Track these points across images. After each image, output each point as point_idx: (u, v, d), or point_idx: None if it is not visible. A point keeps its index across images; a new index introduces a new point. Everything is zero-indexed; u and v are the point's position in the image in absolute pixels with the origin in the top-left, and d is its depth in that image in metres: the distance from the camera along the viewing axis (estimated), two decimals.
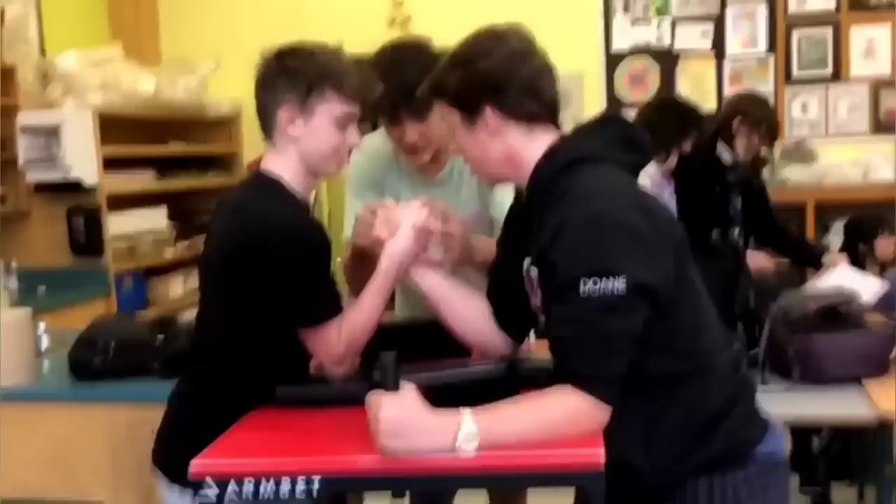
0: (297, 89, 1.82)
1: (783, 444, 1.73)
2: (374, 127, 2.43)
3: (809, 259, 4.04)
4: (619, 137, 1.66)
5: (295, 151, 1.87)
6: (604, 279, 1.47)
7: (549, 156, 1.64)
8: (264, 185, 1.87)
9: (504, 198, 2.26)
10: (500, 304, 1.84)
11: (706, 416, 1.61)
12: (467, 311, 1.85)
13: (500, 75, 1.62)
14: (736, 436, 1.64)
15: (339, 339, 1.82)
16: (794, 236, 4.37)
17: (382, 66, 2.14)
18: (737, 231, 3.68)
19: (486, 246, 2.05)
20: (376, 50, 2.25)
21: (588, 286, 1.47)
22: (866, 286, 2.91)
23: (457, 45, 1.70)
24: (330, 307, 1.83)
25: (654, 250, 1.52)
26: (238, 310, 1.84)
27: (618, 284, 1.46)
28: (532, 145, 1.65)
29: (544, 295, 1.61)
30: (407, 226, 1.82)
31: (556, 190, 1.58)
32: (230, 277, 1.83)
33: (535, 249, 1.61)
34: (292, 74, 1.82)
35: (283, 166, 1.88)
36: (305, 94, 1.82)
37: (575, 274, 1.48)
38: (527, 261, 1.68)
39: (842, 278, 2.86)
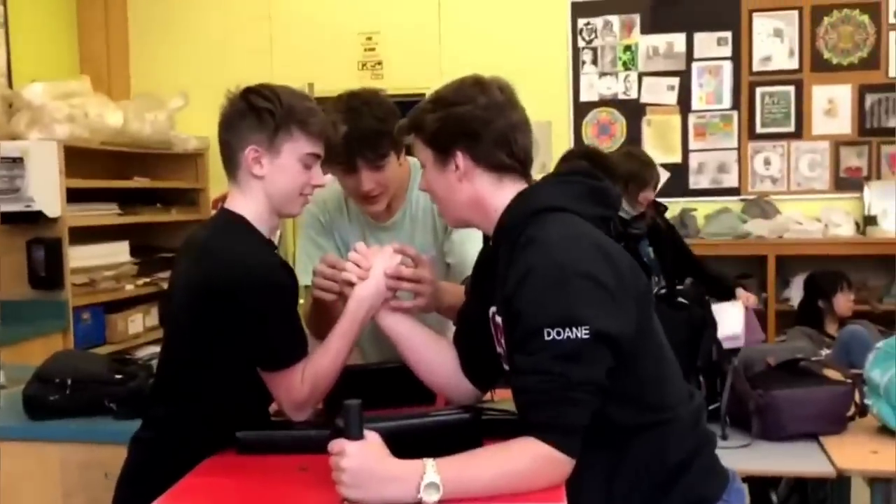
0: (264, 128, 1.83)
1: (743, 499, 1.74)
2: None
3: (723, 292, 4.09)
4: (585, 189, 1.68)
5: (260, 190, 1.86)
6: (567, 329, 1.47)
7: (516, 205, 1.66)
8: (231, 224, 1.86)
9: (463, 242, 2.27)
10: (467, 351, 1.84)
11: (667, 470, 1.61)
12: (435, 357, 1.84)
13: (476, 123, 1.66)
14: (696, 490, 1.64)
15: (301, 383, 1.80)
16: (711, 269, 4.43)
17: (338, 114, 2.16)
18: (655, 280, 3.72)
19: (453, 291, 2.05)
20: (334, 99, 2.26)
21: (552, 336, 1.47)
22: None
23: (442, 87, 1.73)
24: (295, 351, 1.81)
25: (616, 300, 1.52)
26: (203, 351, 1.81)
27: (580, 334, 1.47)
28: (499, 193, 1.68)
29: (507, 343, 1.61)
30: (378, 270, 1.82)
31: (522, 239, 1.59)
32: (196, 318, 1.80)
33: (499, 297, 1.61)
34: (259, 113, 1.83)
35: (248, 206, 1.87)
36: (272, 134, 1.83)
37: (538, 323, 1.49)
38: (492, 308, 1.68)
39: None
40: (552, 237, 1.56)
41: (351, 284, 1.84)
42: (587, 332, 1.47)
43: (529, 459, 1.47)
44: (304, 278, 2.31)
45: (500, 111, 1.68)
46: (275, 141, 1.83)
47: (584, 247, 1.55)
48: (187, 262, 1.88)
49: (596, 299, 1.50)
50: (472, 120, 1.66)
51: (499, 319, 1.65)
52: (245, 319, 1.75)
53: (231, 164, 1.88)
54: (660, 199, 4.31)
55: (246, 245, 1.81)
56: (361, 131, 2.13)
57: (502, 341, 1.66)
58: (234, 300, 1.74)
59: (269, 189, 1.86)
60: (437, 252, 2.39)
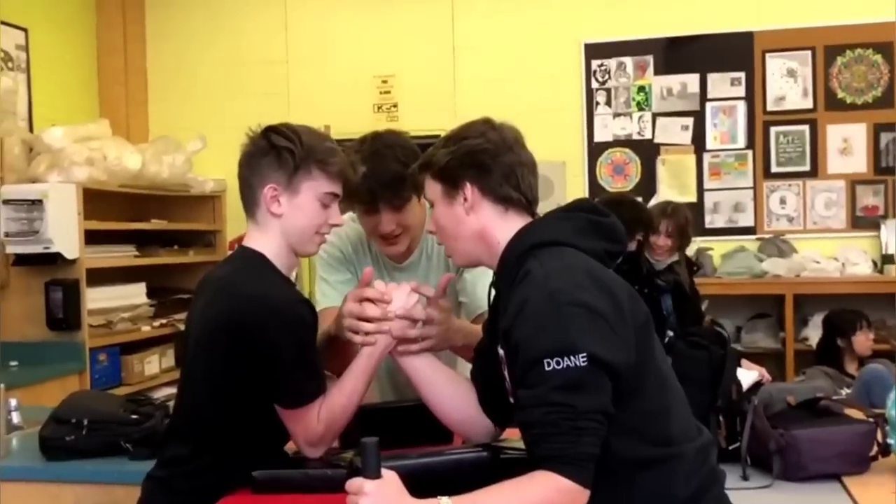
0: (284, 168, 1.84)
1: None
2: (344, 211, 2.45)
3: None
4: (586, 224, 1.70)
5: (277, 229, 1.87)
6: (565, 357, 1.47)
7: (517, 239, 1.68)
8: (250, 261, 1.87)
9: (475, 282, 2.28)
10: (483, 387, 1.83)
11: None
12: (452, 394, 1.84)
13: (485, 156, 1.71)
14: None
15: (318, 421, 1.79)
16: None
17: (362, 156, 2.17)
18: (670, 333, 3.72)
19: (466, 330, 2.05)
20: (357, 140, 2.28)
21: (551, 366, 1.48)
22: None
23: (454, 129, 1.78)
24: (314, 389, 1.80)
25: (613, 328, 1.52)
26: (221, 389, 1.81)
27: (578, 361, 1.47)
28: (504, 226, 1.71)
29: (510, 377, 1.62)
30: (398, 308, 1.82)
31: (520, 272, 1.61)
32: (215, 356, 1.80)
33: (500, 331, 1.62)
34: (279, 152, 1.84)
35: (266, 244, 1.88)
36: (292, 173, 1.84)
37: (536, 354, 1.49)
38: (498, 344, 1.68)
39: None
40: (547, 269, 1.58)
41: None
42: (584, 359, 1.47)
43: (545, 492, 1.46)
44: (322, 301, 2.35)
45: (509, 148, 1.73)
46: (294, 180, 1.84)
47: (577, 277, 1.56)
48: (205, 301, 1.88)
49: (590, 327, 1.50)
50: (482, 152, 1.71)
51: (501, 353, 1.65)
52: (266, 356, 1.74)
53: (249, 201, 1.89)
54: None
55: (266, 282, 1.81)
56: (384, 174, 2.15)
57: (506, 374, 1.65)
58: (255, 337, 1.74)
59: (286, 227, 1.87)
60: (450, 292, 2.40)
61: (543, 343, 1.49)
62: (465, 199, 1.71)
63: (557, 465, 1.47)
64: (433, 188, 1.76)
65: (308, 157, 1.84)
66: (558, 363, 1.47)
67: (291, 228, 1.87)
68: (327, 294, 2.37)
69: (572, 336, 1.48)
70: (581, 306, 1.51)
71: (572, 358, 1.47)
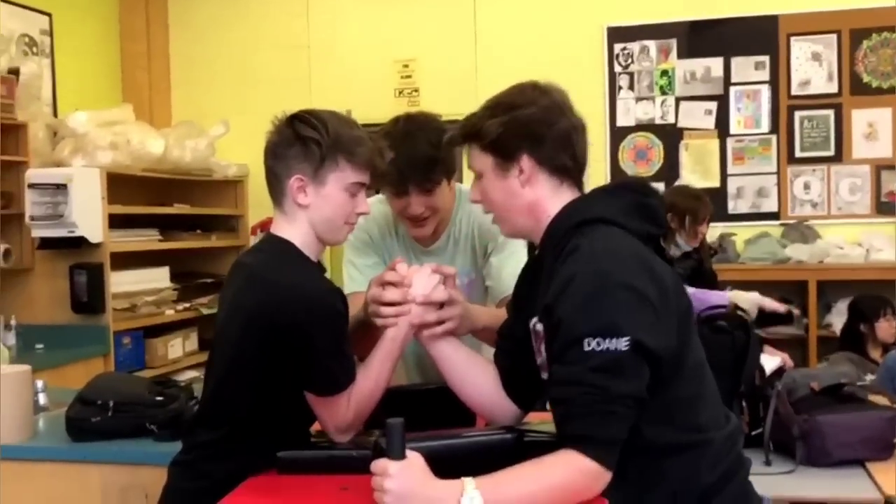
0: (310, 158, 1.81)
1: None
2: (375, 191, 2.45)
3: None
4: (635, 205, 1.67)
5: (304, 219, 1.85)
6: (607, 339, 1.46)
7: (565, 213, 1.65)
8: (279, 250, 1.85)
9: (501, 265, 2.27)
10: (509, 368, 1.83)
11: (699, 492, 1.58)
12: (477, 377, 1.84)
13: (540, 125, 1.65)
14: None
15: (348, 407, 1.80)
16: None
17: (393, 138, 2.15)
18: None
19: (489, 313, 2.05)
20: (388, 122, 2.27)
21: (591, 346, 1.46)
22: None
23: (497, 95, 1.72)
24: (346, 377, 1.80)
25: (658, 316, 1.51)
26: (252, 376, 1.80)
27: (620, 345, 1.46)
28: (556, 200, 1.68)
29: (548, 352, 1.60)
30: (417, 294, 1.82)
31: (568, 247, 1.59)
32: (246, 344, 1.79)
33: (541, 304, 1.60)
34: (305, 143, 1.81)
35: (294, 232, 1.86)
36: (318, 163, 1.81)
37: (579, 332, 1.48)
38: (534, 319, 1.67)
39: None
40: (597, 247, 1.55)
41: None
42: (627, 343, 1.46)
43: (568, 472, 1.46)
44: (350, 286, 2.35)
45: (562, 112, 1.68)
46: (320, 171, 1.82)
47: (628, 259, 1.54)
48: (235, 288, 1.87)
49: (637, 311, 1.49)
50: (536, 122, 1.65)
51: (539, 328, 1.64)
52: (299, 345, 1.73)
53: (276, 191, 1.87)
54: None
55: (297, 271, 1.80)
56: (415, 157, 2.14)
57: (542, 350, 1.64)
58: (288, 326, 1.72)
59: (313, 218, 1.85)
60: (476, 276, 2.40)
61: (587, 322, 1.48)
62: (522, 172, 1.66)
63: (583, 446, 1.47)
64: (482, 160, 1.70)
65: (335, 148, 1.81)
66: (599, 344, 1.46)
67: (318, 219, 1.85)
68: (354, 278, 2.38)
69: (618, 319, 1.47)
70: (630, 290, 1.49)
71: (614, 341, 1.46)
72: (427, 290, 1.84)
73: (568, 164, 1.68)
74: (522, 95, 1.68)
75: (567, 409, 1.50)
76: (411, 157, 2.13)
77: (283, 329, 1.73)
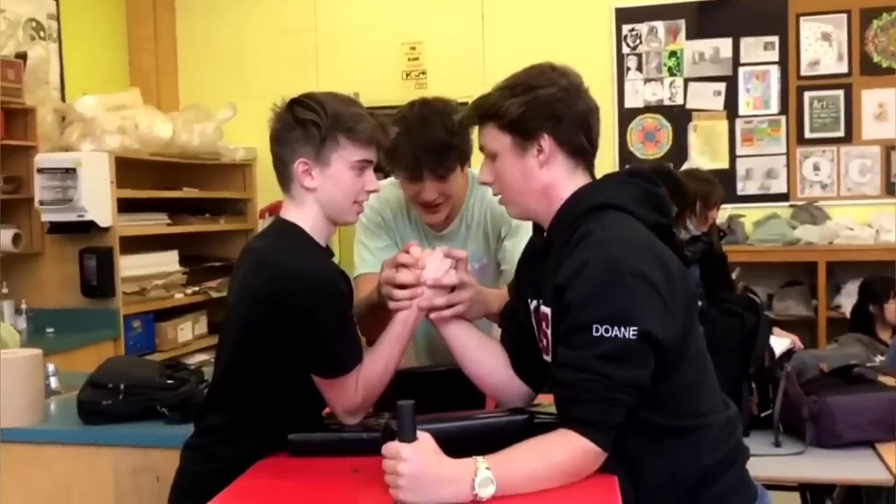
0: (311, 141, 1.82)
1: None
2: (386, 175, 2.44)
3: None
4: (643, 193, 1.68)
5: (313, 202, 1.86)
6: (615, 327, 1.47)
7: (577, 198, 1.66)
8: (287, 234, 1.86)
9: (515, 248, 2.27)
10: (516, 350, 1.84)
11: (698, 475, 1.60)
12: (487, 360, 1.84)
13: (560, 105, 1.65)
14: (725, 501, 1.62)
15: (356, 390, 1.80)
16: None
17: (408, 122, 2.15)
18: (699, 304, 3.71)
19: (503, 296, 2.05)
20: (403, 106, 2.26)
21: (600, 332, 1.48)
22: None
23: (514, 75, 1.72)
24: (352, 358, 1.80)
25: (667, 304, 1.52)
26: (260, 360, 1.81)
27: (628, 334, 1.47)
28: (570, 183, 1.68)
29: (554, 334, 1.61)
30: (428, 277, 1.82)
31: (579, 232, 1.59)
32: (254, 328, 1.80)
33: (549, 286, 1.61)
34: (305, 126, 1.81)
35: (302, 217, 1.86)
36: (319, 145, 1.81)
37: (588, 318, 1.49)
38: (536, 301, 1.69)
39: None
40: (609, 234, 1.56)
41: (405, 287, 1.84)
42: (635, 332, 1.47)
43: (570, 452, 1.49)
44: (361, 267, 2.35)
45: (579, 94, 1.68)
46: (322, 152, 1.82)
47: (639, 247, 1.55)
48: (243, 273, 1.88)
49: (647, 301, 1.50)
50: (557, 101, 1.65)
51: (545, 310, 1.65)
52: (304, 328, 1.74)
53: (283, 177, 1.88)
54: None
55: (304, 254, 1.81)
56: (430, 142, 2.13)
57: (548, 332, 1.65)
58: (293, 310, 1.73)
59: (322, 199, 1.85)
60: (488, 261, 2.40)
61: (598, 308, 1.49)
62: (541, 151, 1.66)
63: (584, 429, 1.49)
64: (499, 139, 1.69)
65: (334, 128, 1.81)
66: (607, 331, 1.47)
67: (327, 200, 1.85)
68: (366, 260, 2.38)
69: (629, 307, 1.48)
70: (641, 278, 1.50)
71: (623, 329, 1.47)
72: (438, 273, 1.84)
73: (584, 146, 1.68)
74: (543, 76, 1.68)
75: (570, 393, 1.52)
76: (426, 142, 2.12)
77: (286, 311, 1.74)
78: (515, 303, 1.86)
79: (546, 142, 1.66)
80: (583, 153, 1.69)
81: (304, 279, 1.75)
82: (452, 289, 1.85)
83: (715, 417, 1.64)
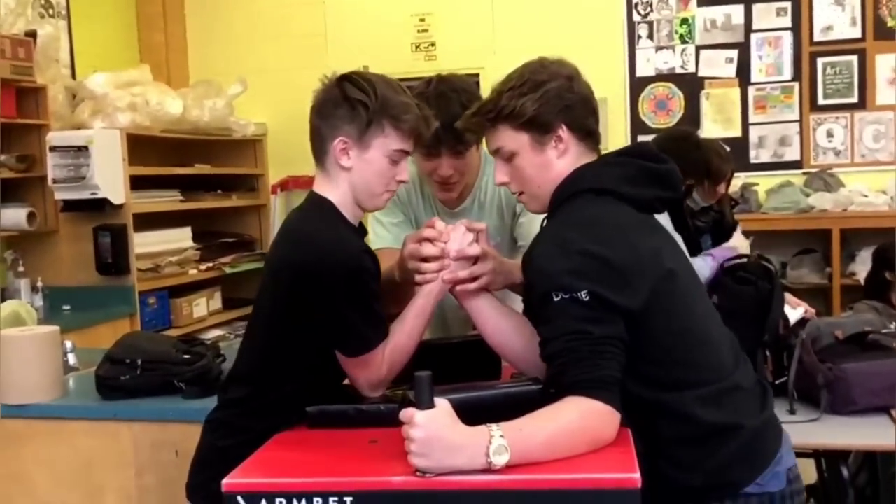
0: (356, 121, 1.81)
1: (782, 483, 1.70)
2: None
3: None
4: (637, 171, 1.73)
5: (345, 181, 1.85)
6: (571, 292, 1.54)
7: (567, 182, 1.73)
8: (319, 208, 1.86)
9: (531, 224, 2.27)
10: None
11: (692, 447, 1.64)
12: (510, 333, 1.86)
13: (570, 95, 1.73)
14: (725, 473, 1.65)
15: (381, 365, 1.81)
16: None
17: (426, 99, 2.14)
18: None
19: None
20: (420, 83, 2.26)
21: (560, 297, 1.54)
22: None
23: (512, 75, 1.77)
24: (377, 336, 1.81)
25: (624, 277, 1.57)
26: (283, 332, 1.82)
27: (582, 296, 1.53)
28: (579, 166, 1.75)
29: (531, 317, 1.69)
30: (452, 249, 1.84)
31: (555, 217, 1.70)
32: (278, 301, 1.82)
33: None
34: (353, 105, 1.81)
35: (333, 193, 1.86)
36: (364, 127, 1.81)
37: (545, 289, 1.56)
38: None
39: None
40: (568, 220, 1.65)
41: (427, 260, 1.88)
42: (586, 294, 1.53)
43: (579, 414, 1.51)
44: (376, 242, 2.37)
45: (579, 80, 1.76)
46: (365, 135, 1.82)
47: (595, 228, 1.62)
48: (277, 245, 1.89)
49: (597, 273, 1.55)
50: (566, 91, 1.73)
51: None
52: (325, 303, 1.75)
53: (319, 150, 1.87)
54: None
55: (332, 230, 1.80)
56: (449, 119, 2.12)
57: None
58: (318, 284, 1.74)
59: (354, 181, 1.85)
60: (502, 239, 2.40)
61: (549, 279, 1.56)
62: (560, 141, 1.73)
63: (584, 390, 1.51)
64: (516, 139, 1.75)
65: (382, 113, 1.81)
66: (567, 294, 1.54)
67: (359, 182, 1.85)
68: (380, 235, 2.39)
69: (575, 274, 1.54)
70: (590, 255, 1.56)
71: (576, 295, 1.53)
72: (462, 245, 1.86)
73: (593, 127, 1.76)
74: (544, 70, 1.75)
75: (559, 362, 1.55)
76: (445, 119, 2.12)
77: (309, 285, 1.74)
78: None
79: (563, 131, 1.72)
80: (592, 135, 1.76)
81: (329, 255, 1.74)
82: (475, 261, 1.87)
83: (705, 389, 1.66)
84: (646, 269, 1.60)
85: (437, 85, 2.22)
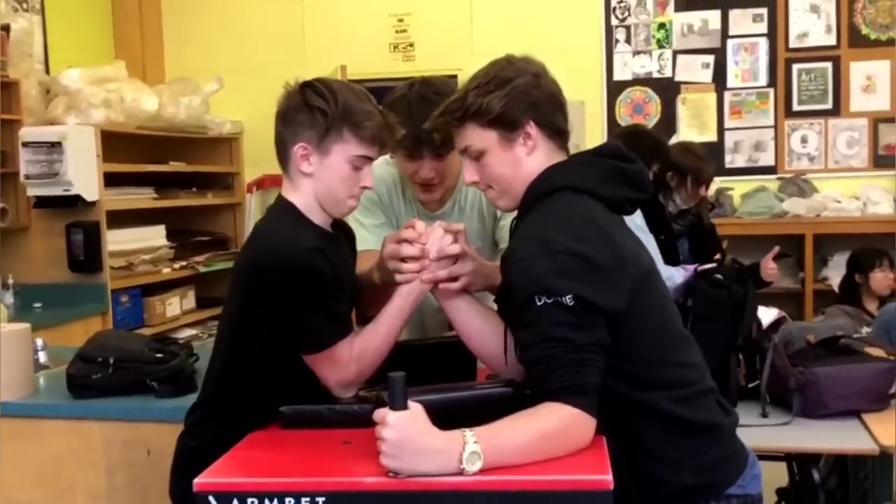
0: (315, 127, 1.81)
1: (759, 485, 1.72)
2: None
3: None
4: (611, 171, 1.72)
5: (308, 186, 1.85)
6: (554, 296, 1.51)
7: (540, 180, 1.70)
8: (280, 210, 1.87)
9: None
10: (508, 332, 1.84)
11: (674, 452, 1.63)
12: (488, 335, 1.85)
13: (536, 91, 1.71)
14: (711, 472, 1.65)
15: (349, 362, 1.80)
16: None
17: (409, 101, 2.15)
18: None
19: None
20: (403, 85, 2.25)
21: (542, 301, 1.52)
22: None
23: (479, 73, 1.74)
24: (333, 332, 1.80)
25: (607, 277, 1.56)
26: (246, 334, 1.82)
27: (566, 300, 1.51)
28: (550, 164, 1.73)
29: (508, 320, 1.68)
30: (432, 249, 1.84)
31: (531, 214, 1.66)
32: (237, 303, 1.83)
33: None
34: (313, 112, 1.81)
35: (298, 198, 1.87)
36: (323, 134, 1.81)
37: (527, 293, 1.54)
38: None
39: None
40: (549, 217, 1.62)
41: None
42: (570, 298, 1.51)
43: (559, 420, 1.50)
44: (359, 245, 2.33)
45: (545, 77, 1.74)
46: (324, 141, 1.81)
47: (579, 228, 1.59)
48: (242, 248, 1.92)
49: (580, 274, 1.53)
50: (533, 88, 1.70)
51: None
52: (279, 302, 1.75)
53: (283, 157, 1.87)
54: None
55: (287, 230, 1.81)
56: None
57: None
58: (268, 283, 1.75)
59: (316, 187, 1.85)
60: (483, 243, 2.40)
61: (533, 282, 1.54)
62: (529, 137, 1.70)
63: (565, 397, 1.51)
64: (484, 137, 1.71)
65: (342, 120, 1.80)
66: (549, 298, 1.52)
67: (321, 188, 1.85)
68: (363, 237, 2.37)
69: (559, 277, 1.52)
70: (573, 255, 1.54)
71: (560, 299, 1.52)
72: (441, 245, 1.85)
73: (562, 125, 1.74)
74: (511, 67, 1.73)
75: (540, 368, 1.54)
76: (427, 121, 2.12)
77: (261, 284, 1.76)
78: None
79: (531, 128, 1.70)
80: (561, 133, 1.74)
81: (277, 253, 1.76)
82: (455, 261, 1.87)
83: (687, 390, 1.66)
84: (628, 269, 1.60)
85: (420, 87, 2.21)
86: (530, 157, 1.71)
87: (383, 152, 1.95)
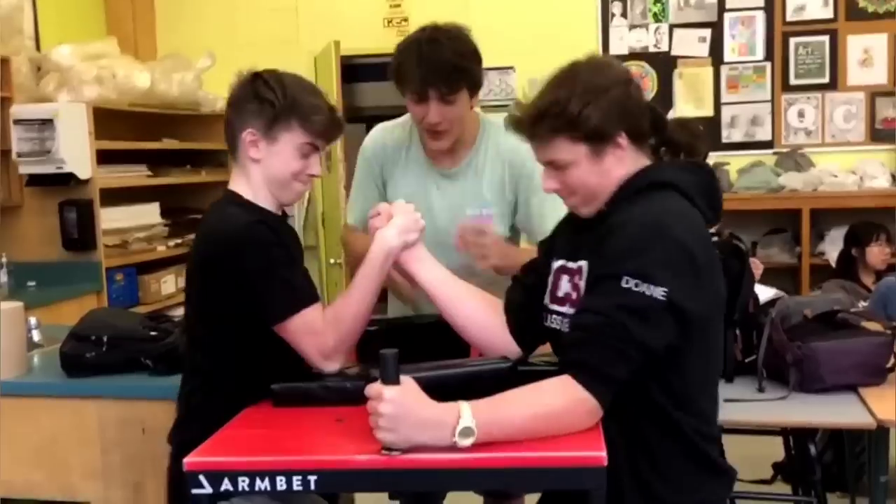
0: (263, 116, 1.85)
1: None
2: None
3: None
4: (706, 186, 1.68)
5: (256, 173, 1.90)
6: (646, 284, 1.48)
7: (642, 174, 1.66)
8: (225, 201, 1.91)
9: (543, 206, 2.24)
10: (519, 303, 1.84)
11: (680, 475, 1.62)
12: (470, 308, 1.84)
13: (629, 101, 1.65)
14: (699, 490, 1.65)
15: (324, 329, 1.80)
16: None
17: (419, 44, 2.16)
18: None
19: (529, 253, 2.03)
20: (419, 28, 2.26)
21: (629, 284, 1.48)
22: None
23: (565, 76, 1.66)
24: (294, 298, 1.80)
25: (699, 281, 1.53)
26: (216, 324, 1.86)
27: (657, 294, 1.48)
28: (636, 166, 1.68)
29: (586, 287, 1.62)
30: (399, 220, 1.84)
31: (640, 199, 1.60)
32: (197, 294, 1.90)
33: (595, 241, 1.61)
34: (261, 101, 1.85)
35: (244, 186, 1.91)
36: (271, 122, 1.85)
37: (620, 268, 1.50)
38: (563, 260, 1.70)
39: None
40: (666, 205, 1.58)
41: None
42: (663, 294, 1.48)
43: (566, 400, 1.48)
44: (349, 216, 2.42)
45: (633, 82, 1.69)
46: (272, 129, 1.86)
47: (690, 225, 1.57)
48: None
49: (681, 269, 1.51)
50: (627, 98, 1.64)
51: (574, 265, 1.67)
52: (235, 283, 1.78)
53: (231, 143, 1.92)
54: None
55: (229, 213, 1.85)
56: (439, 63, 2.13)
57: (557, 290, 1.68)
58: (217, 264, 1.79)
59: (264, 173, 1.89)
60: (500, 209, 2.37)
61: (632, 261, 1.50)
62: (619, 147, 1.63)
63: (583, 375, 1.48)
64: (574, 150, 1.62)
65: (289, 113, 1.86)
66: (637, 285, 1.48)
67: (268, 174, 1.89)
68: (352, 209, 2.42)
69: (662, 269, 1.49)
70: (682, 247, 1.52)
71: (651, 287, 1.48)
72: (411, 219, 1.85)
73: (647, 129, 1.69)
74: (601, 73, 1.65)
75: (583, 335, 1.52)
76: (434, 63, 2.12)
77: (213, 267, 1.80)
78: (541, 260, 1.85)
79: (623, 139, 1.64)
80: (646, 137, 1.70)
81: (222, 236, 1.80)
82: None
83: (713, 428, 1.67)
84: (716, 280, 1.60)
85: (432, 32, 2.22)
86: (618, 165, 1.65)
87: (330, 143, 1.99)
